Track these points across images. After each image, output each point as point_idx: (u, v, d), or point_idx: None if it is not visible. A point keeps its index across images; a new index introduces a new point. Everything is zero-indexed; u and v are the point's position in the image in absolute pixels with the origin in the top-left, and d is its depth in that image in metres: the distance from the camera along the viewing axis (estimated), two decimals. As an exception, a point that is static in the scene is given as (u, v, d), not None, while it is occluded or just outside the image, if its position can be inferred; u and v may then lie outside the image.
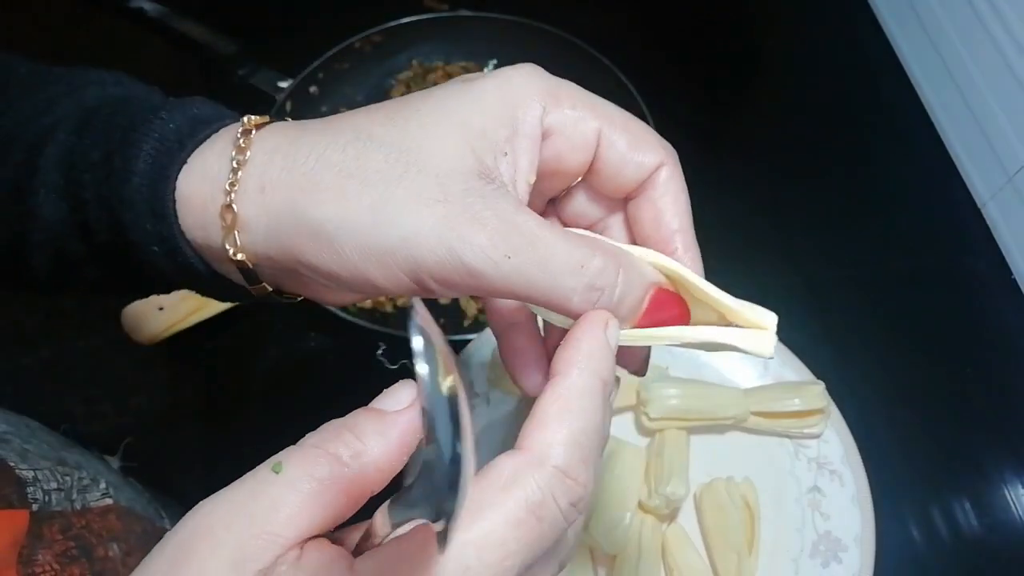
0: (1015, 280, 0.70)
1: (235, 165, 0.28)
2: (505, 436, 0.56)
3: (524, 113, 0.29)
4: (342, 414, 0.26)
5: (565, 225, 0.33)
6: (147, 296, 0.36)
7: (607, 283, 0.27)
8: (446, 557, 0.22)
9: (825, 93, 0.81)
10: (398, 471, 0.26)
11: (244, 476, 0.24)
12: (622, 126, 0.30)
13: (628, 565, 0.50)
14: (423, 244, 0.26)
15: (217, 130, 0.30)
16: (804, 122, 0.79)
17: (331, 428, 0.25)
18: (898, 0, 0.82)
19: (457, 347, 0.58)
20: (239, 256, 0.29)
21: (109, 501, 0.42)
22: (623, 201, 0.32)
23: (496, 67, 0.77)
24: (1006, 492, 0.61)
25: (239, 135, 0.29)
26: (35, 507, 0.37)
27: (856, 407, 0.57)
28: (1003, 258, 0.71)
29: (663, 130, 0.31)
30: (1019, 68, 0.67)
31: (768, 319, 0.29)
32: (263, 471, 0.24)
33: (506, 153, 0.28)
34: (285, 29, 0.81)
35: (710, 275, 0.30)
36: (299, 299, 0.33)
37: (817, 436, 0.56)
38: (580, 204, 0.33)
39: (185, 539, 0.23)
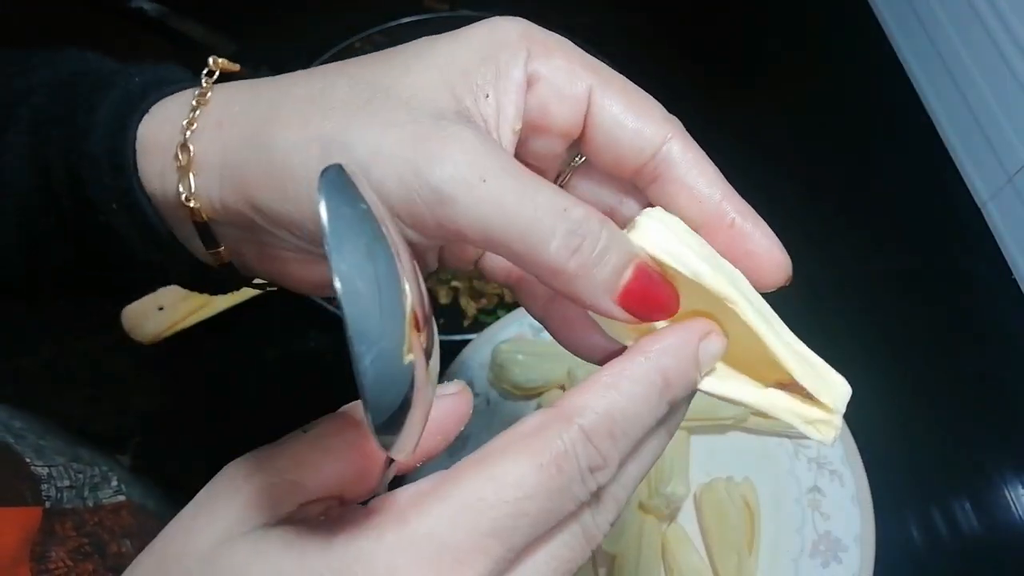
0: (1015, 280, 0.70)
1: (195, 104, 0.27)
2: (505, 436, 0.56)
3: (509, 56, 0.26)
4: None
5: None
6: (119, 291, 0.34)
7: (590, 231, 0.24)
8: (459, 488, 0.22)
9: (825, 93, 0.81)
10: (433, 453, 0.26)
11: None
12: (618, 88, 0.27)
13: (628, 565, 0.50)
14: (384, 166, 0.23)
15: (185, 88, 0.29)
16: (804, 122, 0.79)
17: None
18: (899, 1, 0.82)
19: (457, 347, 0.58)
20: (192, 203, 0.26)
21: (122, 498, 0.42)
22: (633, 185, 0.29)
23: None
24: (1006, 492, 0.61)
25: (203, 76, 0.28)
26: (48, 504, 0.38)
27: (856, 407, 0.57)
28: (1003, 258, 0.71)
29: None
30: (1019, 68, 0.67)
31: (836, 394, 0.26)
32: (292, 433, 0.25)
33: (488, 95, 0.26)
34: (285, 29, 0.81)
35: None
36: (269, 288, 0.31)
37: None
38: (586, 187, 0.30)
39: (211, 489, 0.24)
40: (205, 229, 0.27)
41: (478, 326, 0.62)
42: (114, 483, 0.43)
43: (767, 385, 0.27)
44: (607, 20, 0.79)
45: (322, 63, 0.79)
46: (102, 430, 0.58)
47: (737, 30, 0.86)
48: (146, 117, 0.28)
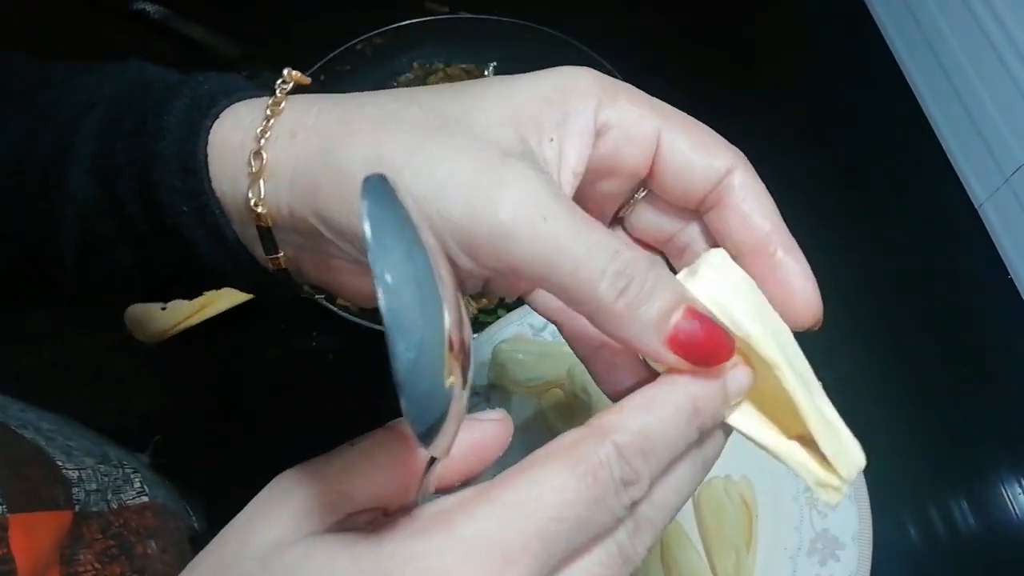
0: (1012, 280, 0.70)
1: (268, 113, 0.28)
2: (505, 435, 0.56)
3: (578, 104, 0.27)
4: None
5: (635, 241, 0.32)
6: (174, 295, 0.34)
7: (636, 273, 0.24)
8: (505, 491, 0.23)
9: (823, 95, 0.81)
10: (472, 474, 0.27)
11: None
12: (684, 127, 0.28)
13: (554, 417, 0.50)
14: (451, 193, 0.24)
15: (252, 97, 0.29)
16: (802, 124, 0.79)
17: None
18: (896, 3, 0.82)
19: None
20: (260, 209, 0.27)
21: (145, 499, 0.43)
22: (695, 212, 0.30)
23: (497, 69, 0.78)
24: (1003, 491, 0.61)
25: (277, 86, 0.29)
26: (77, 508, 0.38)
27: (854, 406, 0.57)
28: (1000, 258, 0.71)
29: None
30: (1016, 70, 0.68)
31: (850, 464, 0.27)
32: (342, 446, 0.26)
33: (552, 139, 0.27)
34: (287, 31, 0.81)
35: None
36: (318, 296, 0.32)
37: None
38: (649, 218, 0.31)
39: (265, 496, 0.25)
40: (268, 235, 0.28)
41: (478, 326, 0.62)
42: (137, 484, 0.43)
43: (789, 435, 0.28)
44: (607, 22, 0.79)
45: (323, 65, 0.79)
46: (102, 430, 0.59)
47: (736, 33, 0.86)
48: (216, 122, 0.28)
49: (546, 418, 0.57)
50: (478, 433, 0.27)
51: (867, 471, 0.54)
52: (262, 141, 0.27)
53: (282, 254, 0.29)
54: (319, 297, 0.61)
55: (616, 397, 0.30)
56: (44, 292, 0.35)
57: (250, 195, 0.27)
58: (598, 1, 0.83)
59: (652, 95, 0.29)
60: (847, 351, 0.64)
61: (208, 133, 0.28)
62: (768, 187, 0.29)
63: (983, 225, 0.73)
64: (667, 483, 0.25)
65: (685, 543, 0.53)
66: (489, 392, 0.58)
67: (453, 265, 0.25)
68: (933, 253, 0.73)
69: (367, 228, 0.19)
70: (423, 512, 0.23)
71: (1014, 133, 0.69)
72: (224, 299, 0.61)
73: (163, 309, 0.61)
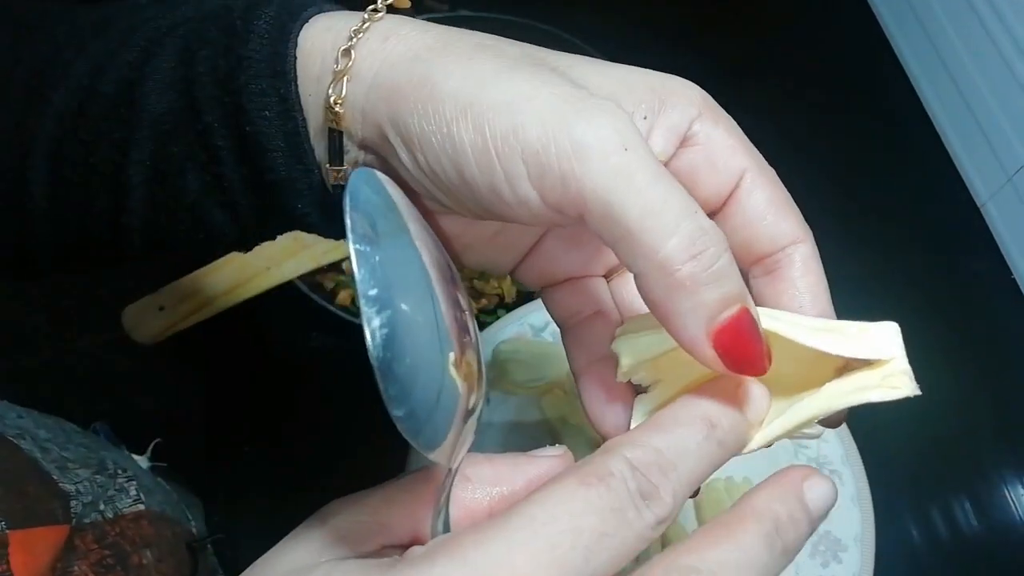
0: (1014, 280, 0.70)
1: (367, 17, 0.27)
2: (505, 437, 0.56)
3: (680, 103, 0.26)
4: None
5: None
6: (230, 238, 0.32)
7: (715, 243, 0.22)
8: (512, 511, 0.21)
9: (824, 93, 0.81)
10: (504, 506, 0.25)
11: None
12: (770, 180, 0.27)
13: (628, 564, 0.50)
14: (530, 110, 0.23)
15: (343, 11, 0.29)
16: (803, 122, 0.79)
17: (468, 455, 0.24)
18: (899, 1, 0.82)
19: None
20: (338, 108, 0.26)
21: (141, 507, 0.42)
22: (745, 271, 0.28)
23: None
24: (1006, 492, 0.61)
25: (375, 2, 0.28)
26: (74, 521, 0.37)
27: (854, 406, 0.57)
28: (1002, 258, 0.71)
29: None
30: (1018, 68, 0.67)
31: (885, 341, 0.25)
32: (389, 480, 0.25)
33: (645, 117, 0.26)
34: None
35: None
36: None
37: (817, 436, 0.56)
38: None
39: (310, 520, 0.25)
40: (339, 141, 0.27)
41: (478, 326, 0.62)
42: (133, 492, 0.43)
43: (822, 383, 0.26)
44: (607, 20, 0.79)
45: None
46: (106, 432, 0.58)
47: (736, 31, 0.86)
48: (307, 25, 0.28)
49: (546, 419, 0.57)
50: (534, 470, 0.25)
51: (869, 472, 0.54)
52: (354, 40, 0.26)
53: (346, 167, 0.28)
54: (317, 297, 0.61)
55: (600, 424, 0.29)
56: (109, 243, 0.33)
57: (331, 92, 0.26)
58: (598, 0, 0.83)
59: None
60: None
61: (298, 36, 0.27)
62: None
63: (986, 224, 0.73)
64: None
65: (686, 545, 0.53)
66: (489, 393, 0.57)
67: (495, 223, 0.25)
68: (935, 253, 0.72)
69: (347, 208, 0.19)
70: (440, 538, 0.23)
71: (1017, 132, 0.68)
72: (222, 300, 0.61)
73: (161, 309, 0.60)
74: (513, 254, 0.31)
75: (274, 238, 0.33)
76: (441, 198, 0.26)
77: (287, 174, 0.28)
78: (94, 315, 0.63)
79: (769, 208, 0.27)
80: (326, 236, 0.31)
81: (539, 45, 0.27)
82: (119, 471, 0.43)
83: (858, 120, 0.79)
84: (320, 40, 0.27)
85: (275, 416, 0.60)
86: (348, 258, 0.18)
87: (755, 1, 0.88)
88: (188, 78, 0.28)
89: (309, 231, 0.31)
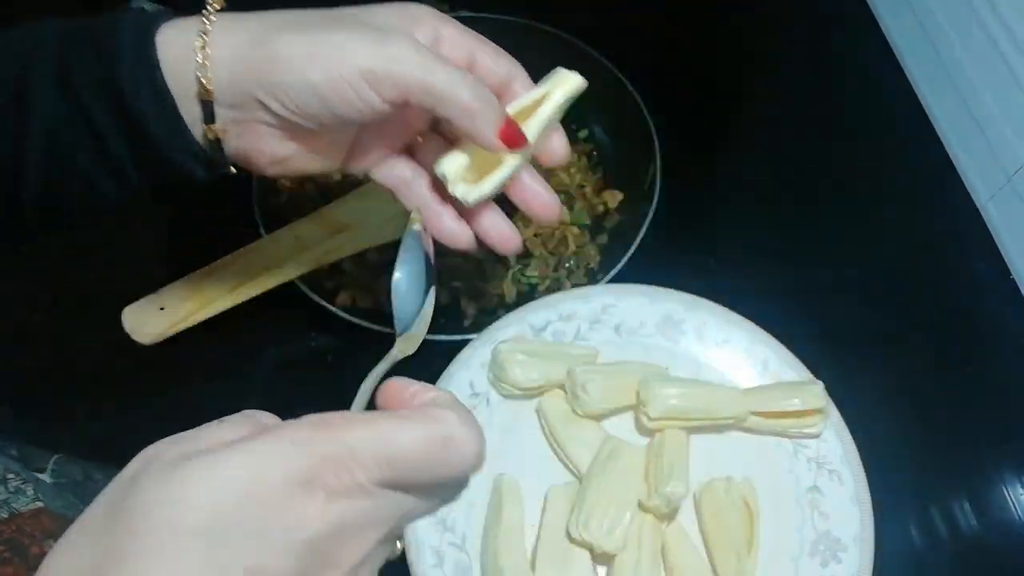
0: (1014, 280, 0.70)
1: (208, 10, 0.39)
2: (503, 436, 0.56)
3: (425, 17, 0.42)
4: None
5: None
6: (120, 198, 0.44)
7: (483, 89, 0.41)
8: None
9: (824, 93, 0.81)
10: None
11: None
12: (490, 49, 0.44)
13: (628, 565, 0.50)
14: (360, 47, 0.38)
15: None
16: (803, 123, 0.79)
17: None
18: (898, 2, 0.82)
19: (457, 347, 0.58)
20: (207, 83, 0.38)
21: (40, 504, 0.42)
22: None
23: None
24: (1005, 492, 0.61)
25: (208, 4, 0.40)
26: None
27: (855, 407, 0.57)
28: (1002, 258, 0.71)
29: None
30: (1018, 68, 0.67)
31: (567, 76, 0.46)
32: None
33: (414, 34, 0.41)
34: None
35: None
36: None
37: (816, 436, 0.56)
38: None
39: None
40: (209, 106, 0.39)
41: (478, 326, 0.62)
42: (30, 492, 0.42)
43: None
44: (607, 21, 0.79)
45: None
46: (102, 430, 0.58)
47: (737, 31, 0.86)
48: (160, 28, 0.39)
49: (546, 419, 0.57)
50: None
51: (868, 472, 0.54)
52: (207, 36, 0.38)
53: (218, 124, 0.40)
54: (317, 297, 0.61)
55: (442, 236, 0.47)
56: (9, 218, 0.43)
57: (199, 73, 0.38)
58: (598, 0, 0.83)
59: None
60: (848, 351, 0.64)
61: (156, 34, 0.38)
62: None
63: (985, 225, 0.73)
64: None
65: (686, 544, 0.53)
66: (488, 393, 0.57)
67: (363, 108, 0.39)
68: (935, 253, 0.72)
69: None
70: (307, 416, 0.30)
71: (1016, 132, 0.68)
72: (222, 301, 0.61)
73: (161, 310, 0.60)
74: (341, 150, 0.45)
75: (162, 199, 0.46)
76: (301, 123, 0.40)
77: (164, 140, 0.40)
78: (94, 315, 0.63)
79: (494, 62, 0.44)
80: (205, 183, 0.43)
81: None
82: (9, 475, 0.42)
83: (857, 120, 0.79)
84: (175, 37, 0.38)
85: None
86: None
87: (755, 2, 0.88)
88: (68, 78, 0.38)
89: (189, 182, 0.42)
